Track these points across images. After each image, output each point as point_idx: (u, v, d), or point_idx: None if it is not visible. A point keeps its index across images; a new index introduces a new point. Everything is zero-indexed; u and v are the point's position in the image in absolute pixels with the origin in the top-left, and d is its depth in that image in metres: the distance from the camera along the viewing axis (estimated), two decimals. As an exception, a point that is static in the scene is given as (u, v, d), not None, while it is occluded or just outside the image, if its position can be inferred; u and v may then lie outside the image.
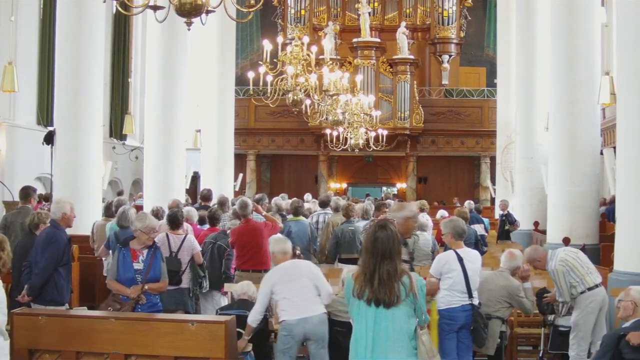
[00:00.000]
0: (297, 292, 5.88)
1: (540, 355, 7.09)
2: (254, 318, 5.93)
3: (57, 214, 6.70)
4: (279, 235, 6.74)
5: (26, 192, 9.20)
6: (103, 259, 8.84)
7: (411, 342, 4.22)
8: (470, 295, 6.05)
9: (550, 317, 6.93)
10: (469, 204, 14.79)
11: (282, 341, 5.87)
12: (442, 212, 13.19)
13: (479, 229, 12.88)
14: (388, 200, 14.16)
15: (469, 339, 6.14)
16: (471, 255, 6.23)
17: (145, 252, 6.33)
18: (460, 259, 6.07)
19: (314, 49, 11.24)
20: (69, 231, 6.94)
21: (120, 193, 18.68)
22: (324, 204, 11.13)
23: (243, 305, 6.29)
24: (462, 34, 27.03)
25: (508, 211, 15.59)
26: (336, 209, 10.35)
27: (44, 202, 12.83)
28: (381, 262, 4.19)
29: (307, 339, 5.88)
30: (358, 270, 4.34)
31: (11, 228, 8.52)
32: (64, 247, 6.51)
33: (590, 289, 6.43)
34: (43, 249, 6.37)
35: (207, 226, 9.28)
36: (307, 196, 14.93)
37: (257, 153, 26.40)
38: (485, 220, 15.25)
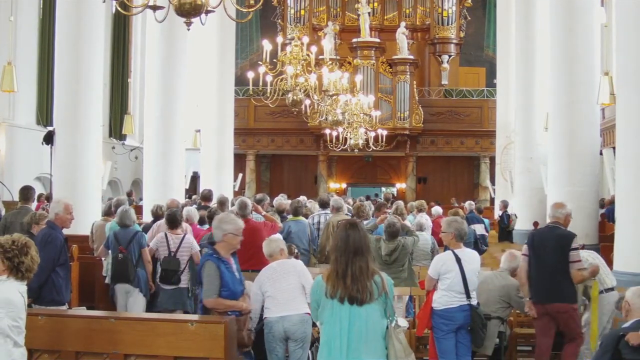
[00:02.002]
0: (282, 290, 5.92)
1: (539, 355, 7.09)
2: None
3: (51, 214, 6.71)
4: (272, 236, 6.71)
5: (26, 193, 9.21)
6: (102, 259, 8.83)
7: (383, 342, 4.20)
8: (468, 296, 6.07)
9: None
10: (469, 204, 14.78)
11: (266, 339, 5.93)
12: (436, 209, 13.17)
13: (479, 228, 12.88)
14: (399, 202, 14.04)
15: (467, 339, 6.15)
16: (469, 256, 6.23)
17: (232, 258, 5.57)
18: (458, 260, 6.07)
19: (314, 49, 11.24)
20: (69, 231, 6.94)
21: (129, 194, 18.68)
22: (324, 204, 11.11)
23: (242, 305, 6.28)
24: (462, 34, 27.04)
25: (503, 212, 15.57)
26: (337, 209, 10.36)
27: (46, 202, 12.82)
28: (353, 259, 4.17)
29: (288, 338, 5.89)
30: (328, 270, 4.30)
31: (11, 228, 8.49)
32: (61, 247, 6.47)
33: (607, 290, 6.45)
34: (39, 250, 6.35)
35: (207, 226, 9.28)
36: (302, 198, 14.80)
37: (257, 153, 26.40)
38: (486, 220, 15.26)
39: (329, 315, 4.23)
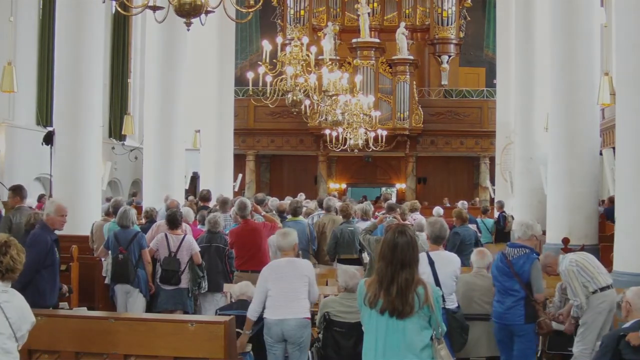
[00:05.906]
0: (284, 292, 5.86)
1: (539, 355, 7.08)
2: (252, 312, 5.93)
3: (43, 214, 6.64)
4: (286, 229, 6.56)
5: (19, 192, 9.08)
6: (102, 259, 8.83)
7: (423, 353, 4.01)
8: (443, 300, 5.98)
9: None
10: (462, 204, 14.76)
11: (265, 339, 5.91)
12: (437, 210, 13.14)
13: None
14: (416, 201, 14.01)
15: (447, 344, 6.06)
16: (445, 259, 6.09)
17: None
18: (431, 262, 5.93)
19: (314, 49, 11.23)
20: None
21: (134, 194, 18.65)
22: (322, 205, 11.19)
23: (242, 305, 6.27)
24: (462, 35, 27.05)
25: (500, 213, 15.55)
26: (327, 209, 10.49)
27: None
28: (400, 271, 3.97)
29: (285, 340, 5.86)
30: (372, 278, 4.12)
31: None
32: (47, 249, 6.27)
33: (602, 289, 6.40)
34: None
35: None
36: (301, 196, 14.97)
37: (257, 153, 26.40)
38: (490, 220, 15.26)
39: (367, 322, 4.11)
